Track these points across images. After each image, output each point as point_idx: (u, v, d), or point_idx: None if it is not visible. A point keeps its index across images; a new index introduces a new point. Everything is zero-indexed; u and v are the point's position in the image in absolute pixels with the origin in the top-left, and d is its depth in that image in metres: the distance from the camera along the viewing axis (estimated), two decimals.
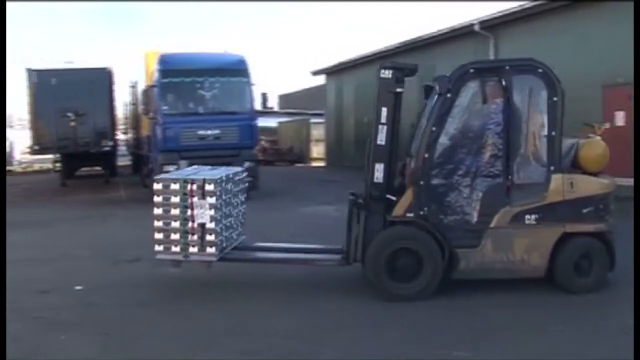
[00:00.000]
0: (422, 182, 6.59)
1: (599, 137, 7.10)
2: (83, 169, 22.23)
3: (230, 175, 7.19)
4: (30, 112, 18.89)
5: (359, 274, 7.05)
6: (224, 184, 6.86)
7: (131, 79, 22.14)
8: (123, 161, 24.42)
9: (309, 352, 5.29)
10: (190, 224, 6.57)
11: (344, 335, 5.64)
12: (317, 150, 32.28)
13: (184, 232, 6.61)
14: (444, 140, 6.65)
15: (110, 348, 5.48)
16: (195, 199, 6.54)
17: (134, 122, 22.37)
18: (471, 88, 6.67)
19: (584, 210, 6.57)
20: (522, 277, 6.66)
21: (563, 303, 6.39)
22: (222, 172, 7.17)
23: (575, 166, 6.83)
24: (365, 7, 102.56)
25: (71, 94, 17.71)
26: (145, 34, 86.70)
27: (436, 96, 6.70)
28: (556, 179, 6.53)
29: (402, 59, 15.65)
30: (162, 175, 7.23)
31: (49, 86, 17.92)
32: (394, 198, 6.72)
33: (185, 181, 6.62)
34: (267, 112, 35.71)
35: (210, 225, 6.55)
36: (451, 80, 6.62)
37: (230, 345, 5.45)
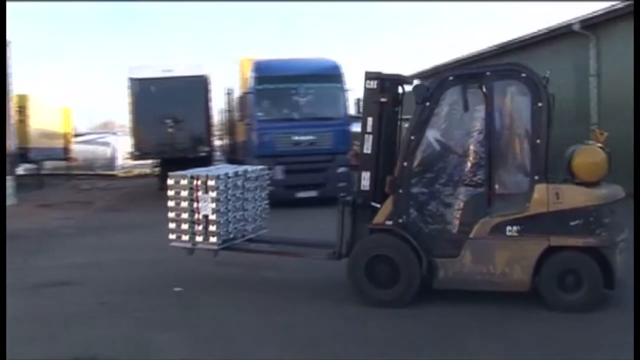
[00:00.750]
0: (401, 191, 6.54)
1: (599, 145, 6.55)
2: None
3: (240, 173, 7.66)
4: (132, 119, 19.58)
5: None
6: (228, 180, 7.38)
7: (227, 86, 22.69)
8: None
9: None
10: (196, 216, 7.23)
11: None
12: None
13: (192, 223, 7.28)
14: (423, 148, 6.58)
15: (209, 349, 5.63)
16: (199, 193, 7.18)
17: (230, 128, 22.88)
18: (451, 96, 6.53)
19: (572, 223, 6.12)
20: (504, 290, 6.35)
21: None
22: (230, 169, 7.76)
23: (572, 175, 6.39)
24: (460, 8, 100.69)
25: (170, 102, 18.27)
26: (240, 40, 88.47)
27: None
28: (540, 189, 6.17)
29: (498, 61, 15.25)
30: (175, 172, 7.72)
31: (149, 94, 18.56)
32: (378, 205, 6.67)
33: (192, 177, 7.30)
34: (360, 118, 35.59)
35: (213, 217, 7.13)
36: (429, 88, 6.57)
37: (333, 349, 5.51)
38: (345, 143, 15.42)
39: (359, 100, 16.31)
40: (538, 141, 6.25)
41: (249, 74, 16.28)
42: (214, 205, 7.13)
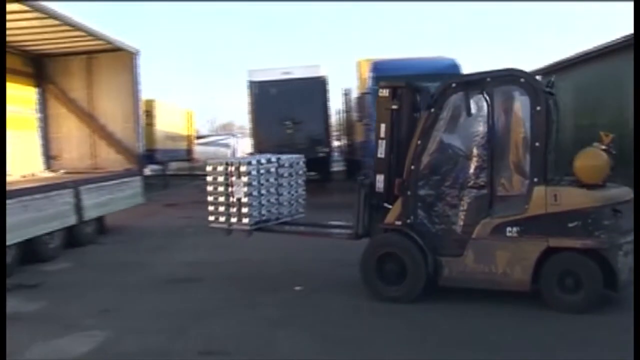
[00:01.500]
0: (409, 193, 6.87)
1: (603, 147, 6.54)
2: None
3: (272, 160, 8.20)
4: (252, 121, 20.08)
5: None
6: (260, 166, 7.93)
7: (344, 87, 22.76)
8: (337, 167, 25.18)
9: None
10: (231, 199, 7.81)
11: None
12: None
13: (227, 206, 7.88)
14: (428, 153, 6.88)
15: (329, 348, 5.73)
16: (233, 178, 7.76)
17: (348, 129, 22.97)
18: (454, 102, 6.79)
19: (570, 225, 6.22)
20: (505, 289, 6.54)
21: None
22: (264, 157, 8.24)
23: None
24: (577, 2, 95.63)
25: (289, 103, 18.54)
26: (357, 41, 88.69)
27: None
28: (538, 191, 6.34)
29: (624, 55, 14.27)
30: (213, 160, 8.44)
31: (268, 96, 18.95)
32: (390, 206, 7.02)
33: (227, 163, 7.93)
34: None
35: (245, 200, 7.69)
36: (434, 95, 6.89)
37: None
38: None
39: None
40: (537, 144, 6.42)
41: (367, 74, 16.20)
42: (245, 189, 7.68)
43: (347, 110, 22.61)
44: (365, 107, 15.82)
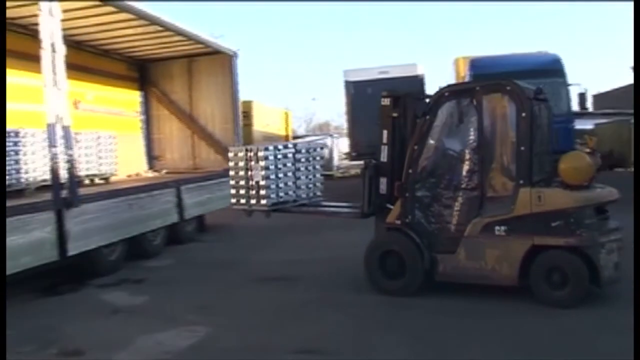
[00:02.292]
0: (407, 194, 7.32)
1: (587, 150, 6.90)
2: None
3: (289, 146, 8.75)
4: (348, 121, 20.06)
5: None
6: (277, 152, 8.40)
7: (441, 85, 22.37)
8: None
9: None
10: (250, 182, 8.33)
11: None
12: None
13: (247, 189, 8.41)
14: (424, 157, 7.31)
15: (422, 352, 5.64)
16: (252, 163, 8.28)
17: None
18: (447, 109, 7.24)
19: (553, 224, 6.59)
20: (495, 284, 6.87)
21: None
22: (282, 144, 8.76)
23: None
24: None
25: None
26: (454, 39, 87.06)
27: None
28: (524, 192, 6.70)
29: None
30: (234, 147, 9.07)
31: (365, 96, 18.87)
32: (392, 207, 7.48)
33: (247, 149, 8.46)
34: (583, 114, 33.31)
35: (263, 182, 8.19)
36: (429, 103, 7.38)
37: None
38: (569, 141, 14.27)
39: (582, 95, 14.97)
40: (522, 148, 6.78)
41: (465, 72, 15.84)
42: (263, 172, 8.18)
43: None
44: None
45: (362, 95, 18.76)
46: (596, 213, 6.89)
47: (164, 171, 14.38)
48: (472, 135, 7.10)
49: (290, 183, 8.58)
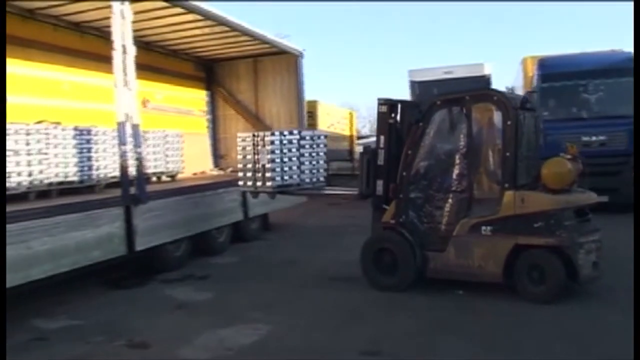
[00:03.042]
0: (401, 196, 7.74)
1: (569, 156, 7.43)
2: None
3: (294, 133, 9.22)
4: None
5: None
6: (283, 137, 8.96)
7: (508, 85, 21.90)
8: None
9: None
10: (257, 165, 8.91)
11: None
12: None
13: (254, 172, 9.00)
14: (417, 161, 7.75)
15: (492, 356, 5.56)
16: (259, 147, 8.83)
17: None
18: (439, 117, 7.71)
19: (535, 225, 6.99)
20: (481, 281, 7.24)
21: None
22: (287, 131, 9.32)
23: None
24: None
25: None
26: (520, 38, 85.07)
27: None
28: (508, 195, 7.10)
29: None
30: (241, 133, 9.60)
31: (430, 96, 18.62)
32: (387, 207, 7.88)
33: (254, 135, 9.06)
34: None
35: (269, 165, 8.76)
36: (422, 111, 7.80)
37: None
38: None
39: None
40: (507, 154, 7.19)
41: (533, 72, 15.45)
42: (269, 156, 8.73)
43: None
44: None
45: (427, 96, 18.50)
46: (577, 215, 7.29)
47: (230, 170, 14.57)
48: (461, 142, 7.54)
49: (294, 167, 9.13)
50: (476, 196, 7.44)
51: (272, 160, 8.77)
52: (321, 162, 9.56)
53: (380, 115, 8.09)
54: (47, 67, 10.42)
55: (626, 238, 7.87)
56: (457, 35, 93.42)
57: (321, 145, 9.55)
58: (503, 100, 7.31)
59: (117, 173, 9.10)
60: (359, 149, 31.54)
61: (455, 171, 7.58)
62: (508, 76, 21.77)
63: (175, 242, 9.36)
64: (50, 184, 8.53)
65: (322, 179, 9.52)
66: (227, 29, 12.02)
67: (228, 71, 15.43)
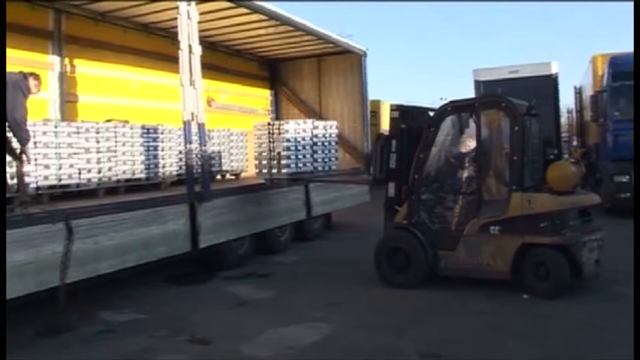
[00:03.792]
0: (413, 197, 8.03)
1: (573, 160, 7.47)
2: None
3: (307, 122, 9.77)
4: None
5: None
6: (297, 127, 9.50)
7: (576, 84, 21.22)
8: None
9: None
10: (272, 153, 9.42)
11: None
12: None
13: (269, 159, 9.55)
14: (429, 164, 8.04)
15: None
16: (275, 136, 9.34)
17: (579, 129, 21.40)
18: (449, 122, 8.08)
19: (541, 224, 7.25)
20: (489, 278, 7.52)
21: None
22: (302, 120, 9.90)
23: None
24: None
25: None
26: (590, 36, 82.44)
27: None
28: (516, 196, 7.39)
29: None
30: (257, 122, 10.35)
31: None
32: (399, 208, 8.21)
33: (269, 124, 9.60)
34: None
35: (284, 153, 9.23)
36: (433, 116, 8.17)
37: None
38: None
39: None
40: (515, 158, 7.48)
41: (604, 70, 14.90)
42: (284, 144, 9.19)
43: (579, 110, 20.98)
44: (601, 106, 14.55)
45: None
46: (580, 215, 7.56)
47: None
48: (471, 146, 7.91)
49: (307, 155, 9.67)
50: (485, 198, 7.75)
51: (287, 149, 9.30)
52: (332, 150, 9.99)
53: (393, 120, 8.42)
54: (116, 68, 10.73)
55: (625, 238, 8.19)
56: (524, 34, 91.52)
57: (333, 135, 9.96)
58: (511, 107, 7.59)
59: (181, 171, 9.29)
60: None
61: (465, 174, 8.01)
62: (575, 75, 21.09)
63: (238, 239, 9.44)
64: (118, 180, 8.77)
65: (333, 167, 9.97)
66: (291, 28, 12.08)
67: (292, 71, 15.53)
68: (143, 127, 9.22)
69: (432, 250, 7.85)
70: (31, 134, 7.07)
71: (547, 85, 18.00)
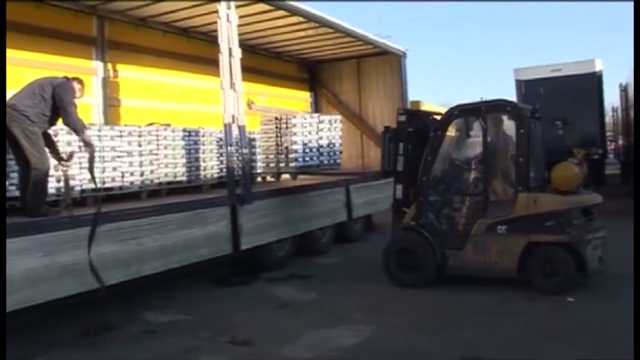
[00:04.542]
0: (421, 199, 8.17)
1: (576, 161, 8.08)
2: None
3: (313, 117, 10.13)
4: None
5: None
6: (304, 121, 9.82)
7: (621, 82, 20.72)
8: (611, 170, 22.96)
9: None
10: (280, 148, 9.67)
11: None
12: None
13: (277, 153, 9.81)
14: (436, 166, 8.21)
15: None
16: (282, 130, 9.57)
17: (625, 128, 20.89)
18: (456, 125, 8.39)
19: (547, 223, 7.45)
20: (496, 276, 7.67)
21: None
22: (307, 114, 10.25)
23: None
24: None
25: (559, 102, 17.32)
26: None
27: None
28: (522, 197, 7.60)
29: None
30: (265, 117, 10.52)
31: (537, 95, 17.94)
32: (407, 210, 8.37)
33: (277, 118, 9.83)
34: None
35: (292, 147, 9.42)
36: (440, 120, 8.33)
37: None
38: None
39: None
40: (521, 159, 7.69)
41: None
42: (292, 138, 9.39)
43: (625, 108, 20.48)
44: None
45: (533, 95, 17.80)
46: (583, 214, 7.77)
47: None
48: (477, 148, 8.15)
49: (314, 149, 9.85)
50: (492, 198, 7.93)
51: (295, 142, 9.49)
52: (337, 145, 10.16)
53: (400, 124, 8.56)
54: (157, 72, 10.85)
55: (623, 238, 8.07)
56: (568, 34, 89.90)
57: (337, 129, 10.14)
58: (516, 110, 7.90)
59: (222, 173, 9.33)
60: None
61: (472, 175, 8.23)
62: (621, 73, 20.60)
63: (279, 241, 9.46)
64: (160, 183, 8.84)
65: (338, 161, 10.20)
66: (330, 30, 12.07)
67: (331, 72, 15.52)
68: (184, 130, 9.29)
69: (440, 250, 7.99)
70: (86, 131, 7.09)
71: (591, 83, 17.65)
